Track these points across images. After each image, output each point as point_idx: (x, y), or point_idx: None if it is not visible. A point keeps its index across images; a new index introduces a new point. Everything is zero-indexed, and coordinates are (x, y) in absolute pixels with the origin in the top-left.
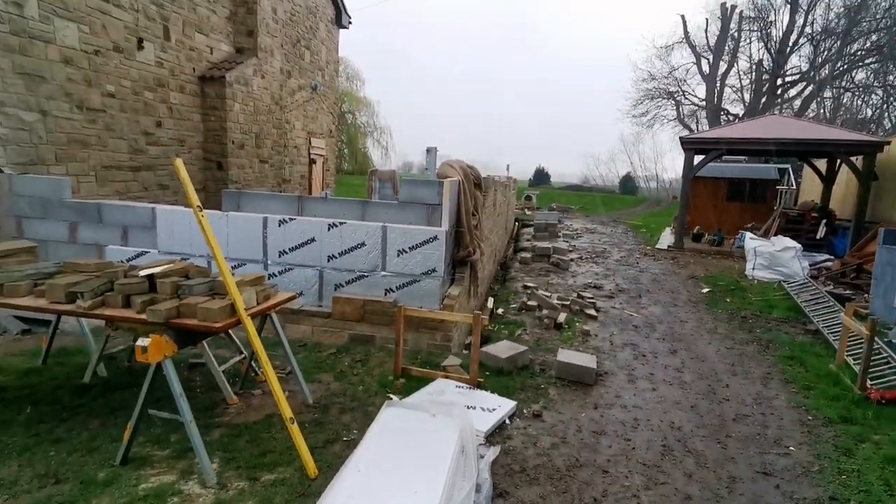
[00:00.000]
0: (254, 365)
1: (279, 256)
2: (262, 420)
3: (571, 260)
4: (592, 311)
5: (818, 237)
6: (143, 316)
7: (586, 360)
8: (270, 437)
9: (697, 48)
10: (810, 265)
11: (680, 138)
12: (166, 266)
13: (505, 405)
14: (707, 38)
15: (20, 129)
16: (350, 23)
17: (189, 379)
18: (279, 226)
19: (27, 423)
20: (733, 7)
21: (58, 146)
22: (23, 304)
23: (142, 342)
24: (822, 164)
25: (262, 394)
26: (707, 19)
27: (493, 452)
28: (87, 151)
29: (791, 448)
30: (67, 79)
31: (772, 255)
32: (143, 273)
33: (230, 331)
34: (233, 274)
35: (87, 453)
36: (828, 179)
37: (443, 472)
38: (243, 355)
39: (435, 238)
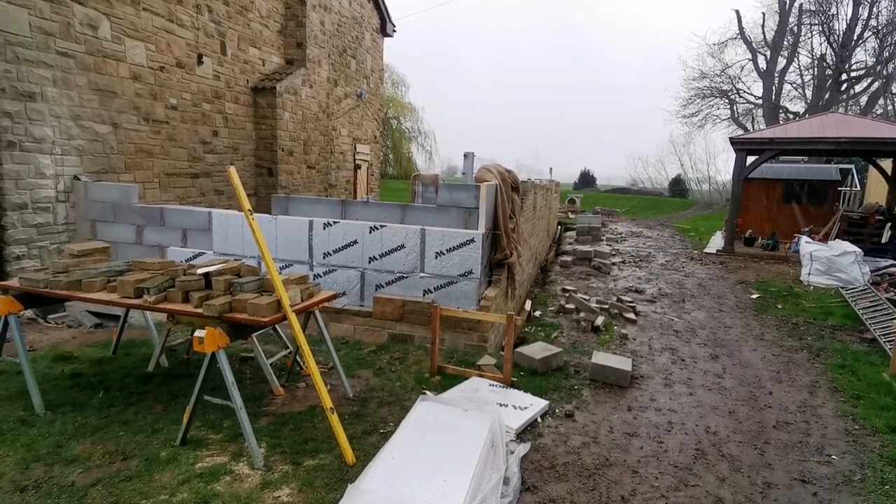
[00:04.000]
0: (298, 360)
1: (323, 258)
2: (305, 411)
3: (613, 264)
4: (631, 315)
5: (883, 241)
6: (200, 310)
7: (621, 362)
8: (313, 426)
9: (753, 44)
10: (872, 271)
11: (730, 139)
12: (221, 265)
13: (537, 404)
14: (764, 33)
15: (95, 140)
16: (394, 31)
17: (240, 371)
18: (324, 229)
19: (100, 406)
20: (792, 0)
21: (126, 156)
22: (97, 298)
23: (199, 333)
24: (887, 164)
25: (305, 387)
26: (764, 14)
27: (523, 448)
28: (151, 160)
29: (833, 457)
30: (136, 94)
31: (829, 260)
32: (200, 271)
33: (277, 327)
34: (280, 273)
35: (152, 434)
36: (894, 180)
37: (472, 464)
38: (289, 350)
39: (472, 241)
